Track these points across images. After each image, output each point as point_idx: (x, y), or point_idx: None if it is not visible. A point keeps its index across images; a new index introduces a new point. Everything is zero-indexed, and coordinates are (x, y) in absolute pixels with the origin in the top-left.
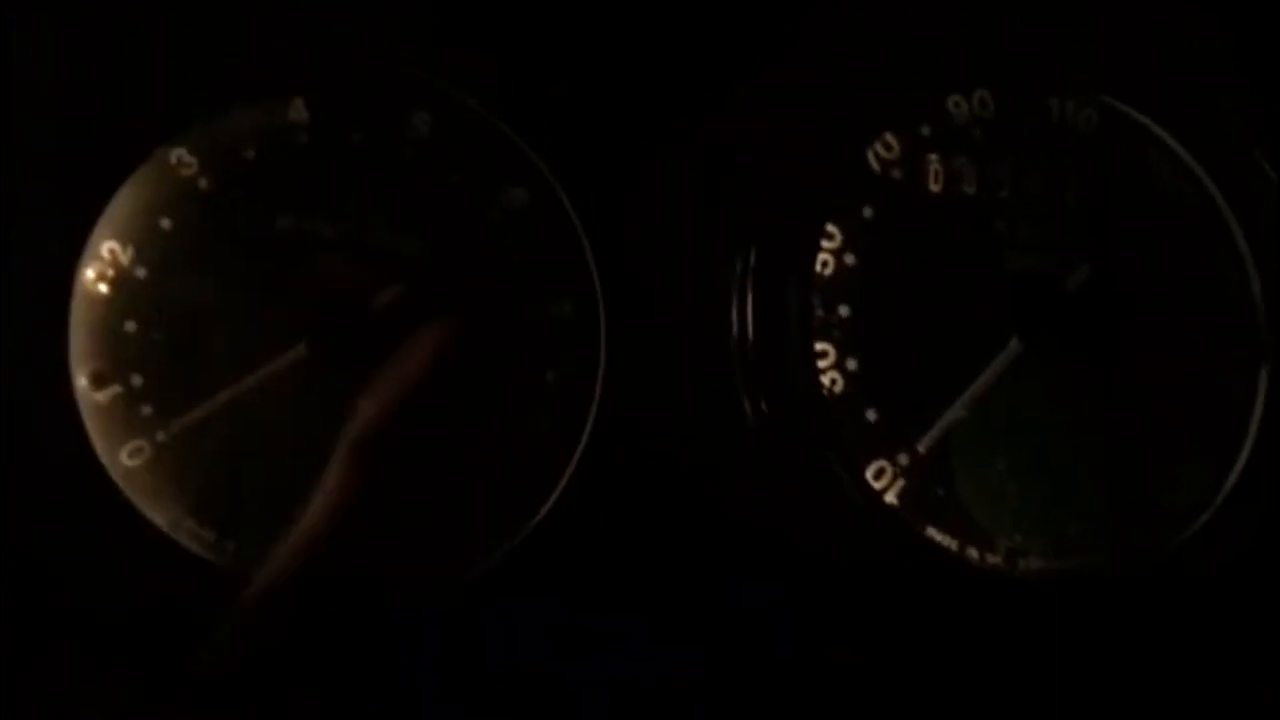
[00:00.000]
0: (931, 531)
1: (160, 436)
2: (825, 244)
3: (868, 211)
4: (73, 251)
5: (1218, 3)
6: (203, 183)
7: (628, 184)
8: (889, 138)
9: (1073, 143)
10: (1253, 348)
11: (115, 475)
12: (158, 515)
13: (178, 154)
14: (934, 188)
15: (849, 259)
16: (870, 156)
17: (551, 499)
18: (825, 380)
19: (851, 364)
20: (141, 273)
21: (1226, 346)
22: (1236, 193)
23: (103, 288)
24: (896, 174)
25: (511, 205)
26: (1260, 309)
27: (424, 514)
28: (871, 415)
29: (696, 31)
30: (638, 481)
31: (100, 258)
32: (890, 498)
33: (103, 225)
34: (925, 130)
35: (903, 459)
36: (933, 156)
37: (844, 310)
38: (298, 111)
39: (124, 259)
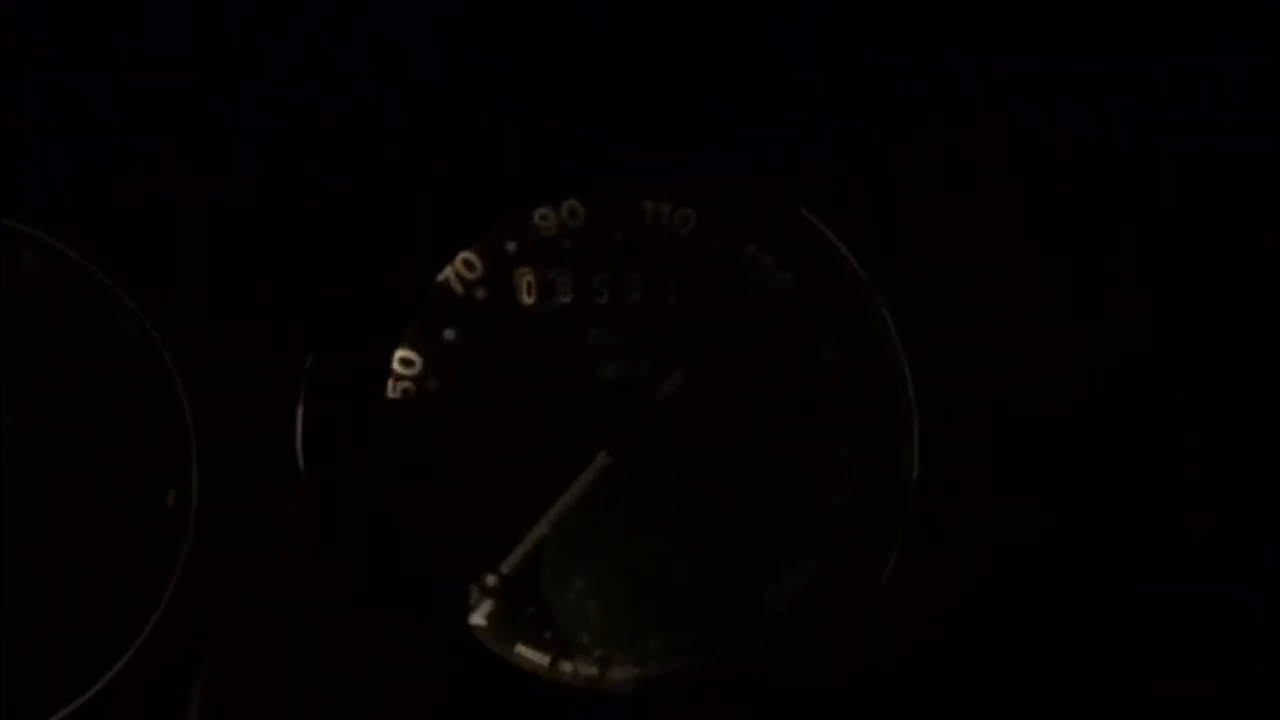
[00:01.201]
0: (522, 649)
1: None
2: (405, 371)
3: (450, 334)
4: None
5: (811, 97)
6: None
7: (215, 323)
8: (469, 257)
9: (669, 245)
10: (846, 446)
11: None
12: None
13: None
14: (527, 300)
15: (432, 384)
16: (451, 278)
17: (143, 636)
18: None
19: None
20: None
21: (821, 446)
22: (829, 291)
23: None
24: (481, 293)
25: (119, 337)
26: (852, 409)
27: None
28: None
29: (271, 173)
30: (219, 623)
31: None
32: (477, 619)
33: None
34: (511, 246)
35: (490, 580)
36: (524, 269)
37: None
38: None
39: None
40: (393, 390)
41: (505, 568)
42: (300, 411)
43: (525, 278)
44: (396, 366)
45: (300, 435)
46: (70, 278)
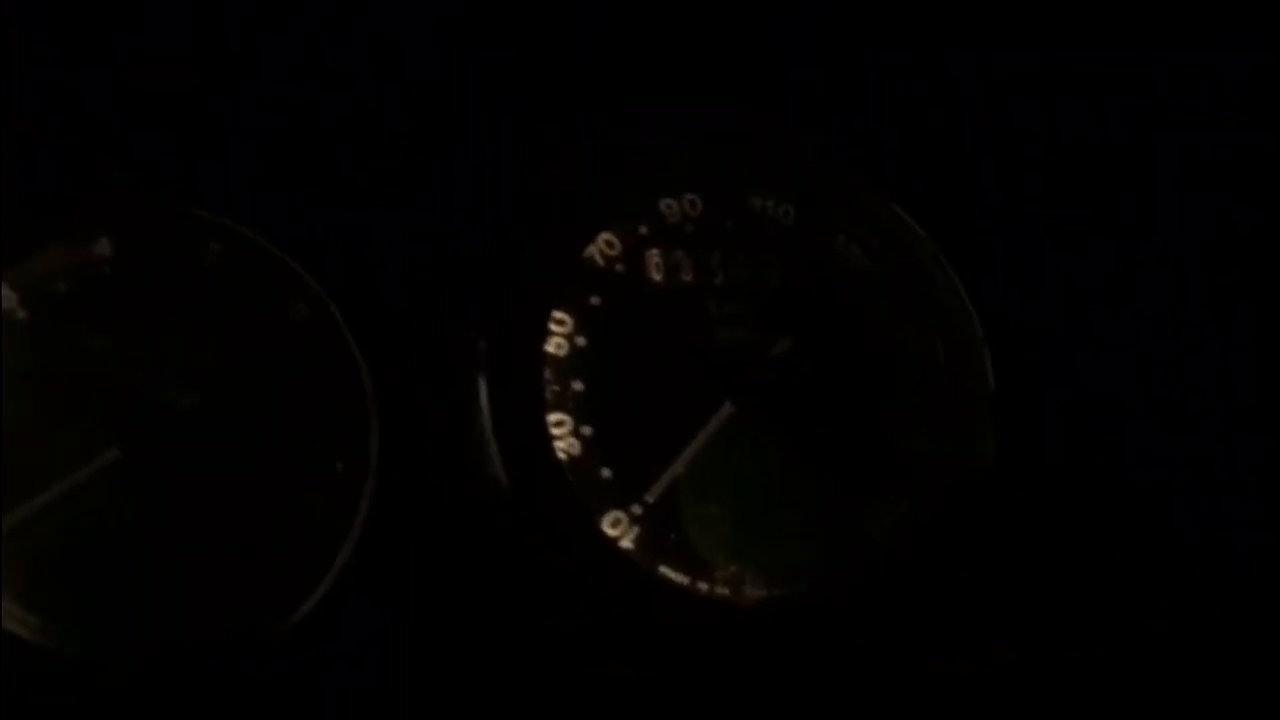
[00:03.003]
0: (664, 569)
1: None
2: (558, 329)
3: (595, 300)
4: None
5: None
6: (21, 314)
7: (392, 298)
8: (609, 237)
9: (773, 233)
10: (934, 403)
11: None
12: None
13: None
14: (656, 277)
15: (580, 341)
16: (594, 254)
17: (333, 571)
18: (563, 446)
19: (586, 430)
20: None
21: (911, 403)
22: (914, 272)
23: None
24: (620, 268)
25: (296, 319)
26: (942, 370)
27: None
28: (606, 473)
29: (424, 149)
30: (413, 553)
31: None
32: (626, 543)
33: None
34: (643, 229)
35: (636, 509)
36: (654, 251)
37: (578, 385)
38: (103, 247)
39: None
40: (548, 343)
41: (650, 497)
42: (483, 383)
43: (654, 258)
44: (551, 325)
45: (486, 402)
46: (253, 263)
